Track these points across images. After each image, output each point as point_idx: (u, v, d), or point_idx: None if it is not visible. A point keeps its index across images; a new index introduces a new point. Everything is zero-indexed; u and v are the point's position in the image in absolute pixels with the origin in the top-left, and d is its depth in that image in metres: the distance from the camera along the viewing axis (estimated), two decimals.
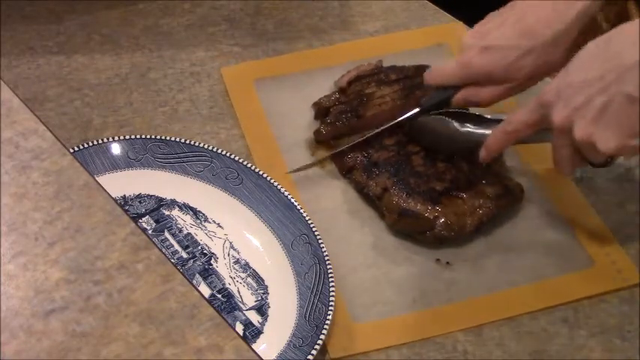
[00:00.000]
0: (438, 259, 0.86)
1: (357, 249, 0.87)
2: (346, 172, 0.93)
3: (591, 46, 0.77)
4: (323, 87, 1.01)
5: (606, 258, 0.86)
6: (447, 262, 0.86)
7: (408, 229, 0.87)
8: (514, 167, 0.93)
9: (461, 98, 0.88)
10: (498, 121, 0.86)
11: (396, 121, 0.93)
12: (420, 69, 0.99)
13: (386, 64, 1.01)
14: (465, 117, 0.89)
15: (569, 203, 0.91)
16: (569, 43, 0.84)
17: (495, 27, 0.86)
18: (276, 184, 0.88)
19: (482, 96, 0.88)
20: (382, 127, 0.93)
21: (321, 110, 0.98)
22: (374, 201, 0.90)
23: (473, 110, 0.91)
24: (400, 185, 0.88)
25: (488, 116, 0.89)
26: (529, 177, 0.93)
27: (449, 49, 1.06)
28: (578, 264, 0.86)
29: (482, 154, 0.86)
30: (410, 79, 0.98)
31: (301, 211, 0.86)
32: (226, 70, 1.03)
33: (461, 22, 1.09)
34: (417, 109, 0.91)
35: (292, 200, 0.86)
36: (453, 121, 0.88)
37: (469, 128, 0.88)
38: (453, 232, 0.86)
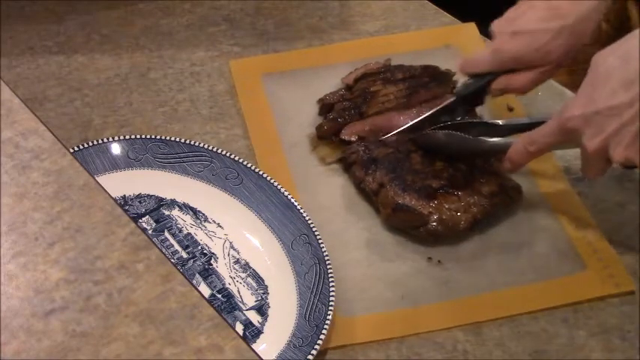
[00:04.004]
0: (429, 258, 0.86)
1: (350, 244, 0.87)
2: (347, 167, 0.93)
3: (607, 60, 0.77)
4: (330, 84, 1.01)
5: (599, 263, 0.86)
6: (439, 261, 0.86)
7: (402, 224, 0.88)
8: None
9: (497, 87, 0.90)
10: (503, 127, 0.89)
11: (430, 112, 0.94)
12: (427, 69, 1.00)
13: (394, 63, 1.01)
14: (472, 127, 0.90)
15: (566, 206, 0.91)
16: (598, 21, 0.85)
17: (524, 12, 0.88)
18: (276, 184, 0.88)
19: (517, 82, 0.89)
20: (414, 121, 0.94)
21: (326, 106, 0.98)
22: (371, 197, 0.90)
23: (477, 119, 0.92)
24: (396, 181, 0.88)
25: (500, 122, 0.91)
26: (529, 178, 0.93)
27: (457, 51, 1.06)
28: (570, 268, 0.86)
29: (507, 165, 0.87)
30: (416, 78, 0.98)
31: (301, 211, 0.86)
32: (235, 63, 1.03)
33: (472, 24, 1.09)
34: (452, 98, 0.93)
35: (292, 200, 0.86)
36: (462, 133, 0.89)
37: (482, 137, 0.89)
38: (447, 228, 0.86)
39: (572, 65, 1.16)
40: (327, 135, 0.96)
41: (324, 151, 0.95)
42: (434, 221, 0.86)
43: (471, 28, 1.09)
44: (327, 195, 0.91)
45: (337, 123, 0.95)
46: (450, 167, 0.90)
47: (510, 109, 1.00)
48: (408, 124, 0.95)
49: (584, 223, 0.90)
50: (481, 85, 0.91)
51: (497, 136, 0.89)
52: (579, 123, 0.78)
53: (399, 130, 0.94)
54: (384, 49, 1.05)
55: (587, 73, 0.80)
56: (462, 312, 0.82)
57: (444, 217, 0.86)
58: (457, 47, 1.07)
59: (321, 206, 0.90)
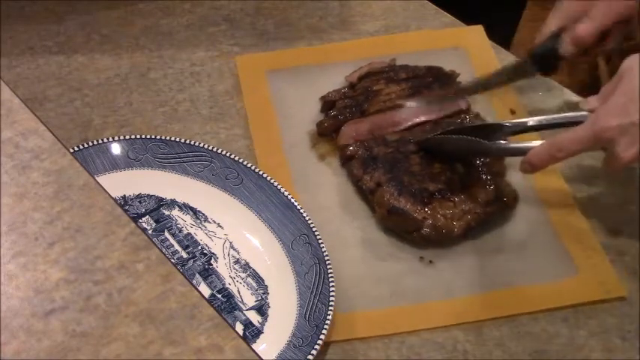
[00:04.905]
0: (421, 257, 0.86)
1: (344, 243, 0.87)
2: (345, 161, 0.93)
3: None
4: (334, 81, 1.01)
5: (591, 269, 0.86)
6: (430, 261, 0.86)
7: (396, 226, 0.88)
8: (514, 167, 0.93)
9: (568, 38, 0.91)
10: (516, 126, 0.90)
11: (500, 68, 0.97)
12: (431, 70, 1.00)
13: (402, 63, 1.01)
14: (488, 131, 0.90)
15: (563, 211, 0.91)
16: None
17: None
18: (276, 184, 0.88)
19: (581, 30, 0.90)
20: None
21: (327, 103, 0.98)
22: (367, 195, 0.90)
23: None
24: (394, 182, 0.88)
25: (507, 123, 0.91)
26: (527, 179, 0.93)
27: (465, 53, 1.06)
28: (562, 272, 0.86)
29: (527, 168, 0.87)
30: (419, 78, 0.98)
31: (301, 210, 0.86)
32: (240, 59, 1.03)
33: (480, 26, 1.09)
34: (527, 58, 0.94)
35: (292, 200, 0.86)
36: (478, 138, 0.89)
37: (499, 142, 0.89)
38: (440, 235, 0.86)
39: (571, 67, 1.16)
40: (328, 132, 0.96)
41: (324, 148, 0.95)
42: (427, 227, 0.86)
43: (479, 30, 1.09)
44: (325, 194, 0.91)
45: (338, 120, 0.96)
46: (448, 170, 0.90)
47: (512, 112, 1.00)
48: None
49: (579, 227, 0.90)
50: (553, 45, 0.92)
51: (502, 139, 0.89)
52: (615, 133, 0.80)
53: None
54: (391, 49, 1.05)
55: (620, 81, 0.82)
56: (453, 311, 0.82)
57: (437, 224, 0.86)
58: (465, 49, 1.06)
59: (319, 206, 0.90)
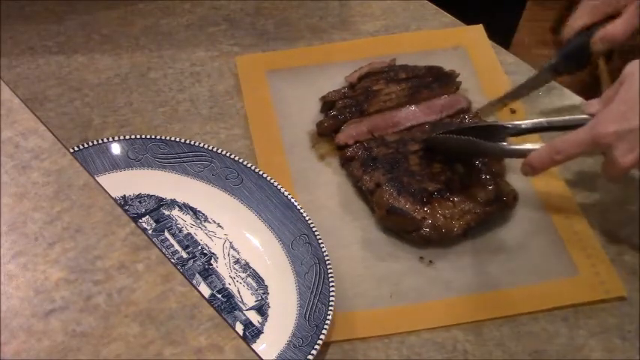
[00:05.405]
0: (421, 257, 0.86)
1: (344, 242, 0.87)
2: (344, 162, 0.93)
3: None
4: (334, 82, 1.01)
5: (591, 269, 0.86)
6: (430, 261, 0.86)
7: (396, 226, 0.88)
8: (515, 167, 0.93)
9: (596, 39, 0.92)
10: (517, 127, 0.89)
11: (536, 73, 0.99)
12: (431, 70, 1.00)
13: (402, 63, 1.01)
14: (490, 131, 0.90)
15: (563, 211, 0.91)
16: None
17: None
18: (276, 184, 0.88)
19: (612, 29, 0.90)
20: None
21: (327, 103, 0.98)
22: (367, 195, 0.90)
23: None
24: (393, 182, 0.88)
25: (509, 125, 0.90)
26: (526, 179, 0.93)
27: (465, 52, 1.06)
28: (562, 272, 0.86)
29: (527, 171, 0.87)
30: (419, 78, 0.98)
31: (301, 210, 0.86)
32: (240, 59, 1.03)
33: (480, 26, 1.09)
34: (557, 58, 0.95)
35: (292, 200, 0.86)
36: (479, 139, 0.88)
37: (500, 143, 0.89)
38: (440, 235, 0.86)
39: None
40: (327, 132, 0.96)
41: (324, 148, 0.96)
42: (427, 227, 0.86)
43: (479, 30, 1.09)
44: (325, 193, 0.91)
45: (338, 120, 0.96)
46: (448, 170, 0.90)
47: (513, 112, 1.00)
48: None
49: (578, 227, 0.90)
50: (584, 41, 0.92)
51: (503, 140, 0.89)
52: (612, 139, 0.80)
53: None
54: (391, 49, 1.05)
55: (621, 87, 0.81)
56: (453, 311, 0.82)
57: (437, 224, 0.86)
58: (465, 48, 1.06)
59: (319, 206, 0.90)
